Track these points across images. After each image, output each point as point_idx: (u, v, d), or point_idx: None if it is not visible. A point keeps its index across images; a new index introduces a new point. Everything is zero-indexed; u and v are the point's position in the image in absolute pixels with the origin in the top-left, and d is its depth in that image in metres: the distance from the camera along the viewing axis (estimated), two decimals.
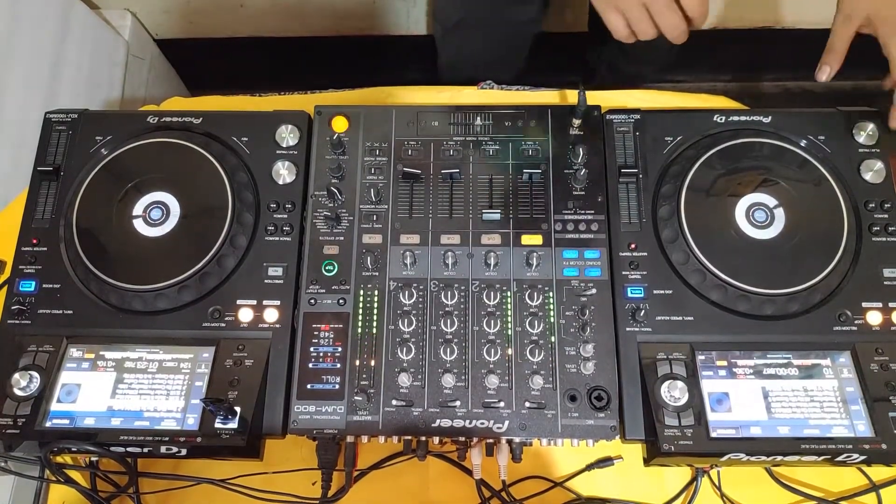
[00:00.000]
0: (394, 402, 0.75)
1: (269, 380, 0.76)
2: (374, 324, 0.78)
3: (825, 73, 0.83)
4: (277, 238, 0.82)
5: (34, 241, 0.82)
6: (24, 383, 0.74)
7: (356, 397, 0.74)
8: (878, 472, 0.80)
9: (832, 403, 0.74)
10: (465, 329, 0.78)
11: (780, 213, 0.80)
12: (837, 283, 0.78)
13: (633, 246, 0.81)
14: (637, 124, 0.86)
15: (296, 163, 0.85)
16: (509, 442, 0.76)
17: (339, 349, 0.77)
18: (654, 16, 0.78)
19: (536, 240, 0.81)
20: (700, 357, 0.76)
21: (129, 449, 0.73)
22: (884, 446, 0.71)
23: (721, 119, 0.86)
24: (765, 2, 1.58)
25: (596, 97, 0.92)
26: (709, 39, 1.66)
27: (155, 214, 0.81)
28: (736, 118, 0.86)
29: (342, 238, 0.82)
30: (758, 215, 0.80)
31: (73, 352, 0.77)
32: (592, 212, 0.82)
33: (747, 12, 1.61)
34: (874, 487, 0.79)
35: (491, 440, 0.77)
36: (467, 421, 0.74)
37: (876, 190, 0.82)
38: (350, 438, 0.77)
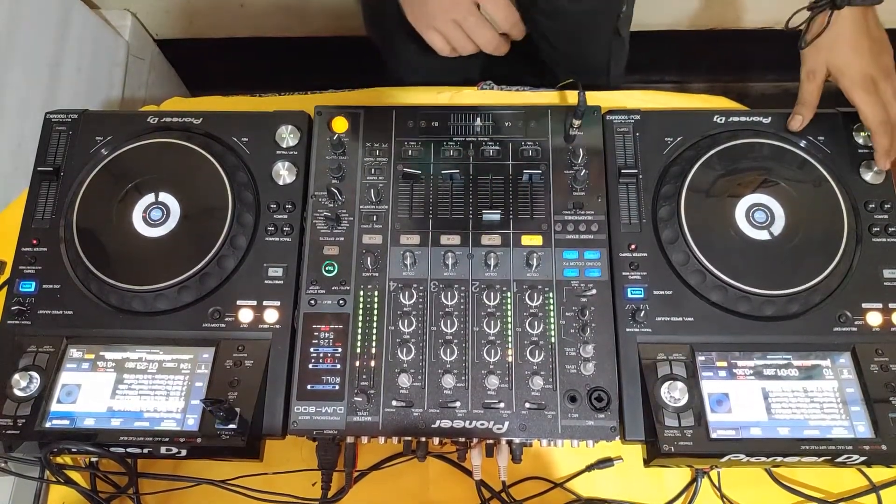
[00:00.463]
0: (394, 403, 0.75)
1: (269, 380, 0.76)
2: (374, 324, 0.78)
3: (798, 123, 0.84)
4: (277, 238, 0.82)
5: (34, 242, 0.82)
6: (24, 384, 0.74)
7: (356, 398, 0.74)
8: (878, 473, 0.80)
9: (832, 404, 0.74)
10: (466, 330, 0.78)
11: (780, 214, 0.80)
12: (837, 283, 0.78)
13: (633, 246, 0.81)
14: (637, 124, 0.86)
15: (296, 163, 0.85)
16: (509, 443, 0.76)
17: (339, 350, 0.77)
18: (468, 32, 0.81)
19: (536, 240, 0.81)
20: (700, 358, 0.76)
21: (128, 449, 0.73)
22: (884, 447, 0.71)
23: (721, 119, 0.86)
24: (764, 2, 1.58)
25: (596, 97, 0.92)
26: (708, 39, 1.66)
27: (155, 215, 0.81)
28: (736, 118, 0.86)
29: (342, 238, 0.82)
30: (758, 216, 0.80)
31: (73, 352, 0.77)
32: (592, 212, 0.82)
33: (746, 13, 1.61)
34: (874, 488, 0.79)
35: (491, 441, 0.77)
36: (467, 422, 0.74)
37: (876, 190, 0.82)
38: (350, 439, 0.77)
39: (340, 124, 0.86)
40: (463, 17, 0.79)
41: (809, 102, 0.83)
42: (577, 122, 0.85)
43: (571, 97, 0.98)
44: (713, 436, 0.72)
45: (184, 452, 0.73)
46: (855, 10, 0.78)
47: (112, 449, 0.73)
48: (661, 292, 0.79)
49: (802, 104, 0.84)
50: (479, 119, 0.87)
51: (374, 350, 0.77)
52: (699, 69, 1.78)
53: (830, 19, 0.78)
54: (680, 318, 0.78)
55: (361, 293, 0.79)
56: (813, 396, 0.74)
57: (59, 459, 0.78)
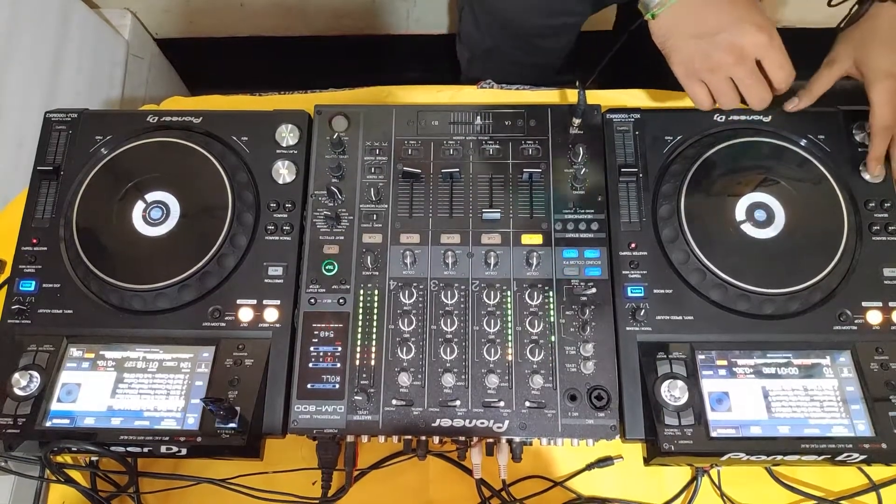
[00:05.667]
0: (394, 402, 0.75)
1: (269, 379, 0.76)
2: (374, 323, 0.78)
3: (792, 105, 0.84)
4: (277, 238, 0.82)
5: (34, 241, 0.82)
6: (24, 383, 0.74)
7: (356, 397, 0.74)
8: (878, 472, 0.80)
9: (832, 403, 0.74)
10: (465, 328, 0.78)
11: (780, 213, 0.80)
12: (837, 282, 0.78)
13: (633, 245, 0.81)
14: (637, 124, 0.86)
15: (296, 162, 0.85)
16: (509, 441, 0.76)
17: (339, 349, 0.77)
18: (742, 89, 0.76)
19: (536, 239, 0.81)
20: (700, 356, 0.76)
21: (129, 449, 0.73)
22: (884, 446, 0.71)
23: (721, 118, 0.86)
24: (764, 2, 1.58)
25: (596, 97, 0.92)
26: None
27: (155, 214, 0.81)
28: (736, 117, 0.86)
29: (342, 238, 0.82)
30: (758, 215, 0.80)
31: (73, 351, 0.77)
32: (592, 211, 0.82)
33: None
34: (874, 487, 0.79)
35: (491, 440, 0.77)
36: (467, 420, 0.74)
37: (876, 189, 0.82)
38: (350, 438, 0.77)
39: (340, 124, 0.86)
40: (744, 76, 0.74)
41: (815, 92, 0.82)
42: (577, 121, 0.85)
43: (571, 96, 0.98)
44: (713, 434, 0.72)
45: (184, 451, 0.73)
46: None
47: (112, 448, 0.73)
48: (661, 291, 0.79)
49: (808, 91, 0.83)
50: (479, 118, 0.87)
51: (374, 349, 0.77)
52: None
53: (868, 10, 0.77)
54: (680, 317, 0.78)
55: (361, 292, 0.79)
56: (813, 395, 0.74)
57: (59, 458, 0.78)
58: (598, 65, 0.80)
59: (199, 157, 0.83)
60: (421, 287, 0.79)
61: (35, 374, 0.75)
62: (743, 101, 0.79)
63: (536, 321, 0.77)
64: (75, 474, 0.79)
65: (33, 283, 0.80)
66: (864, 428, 0.72)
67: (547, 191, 0.83)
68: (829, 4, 0.80)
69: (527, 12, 1.10)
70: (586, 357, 0.76)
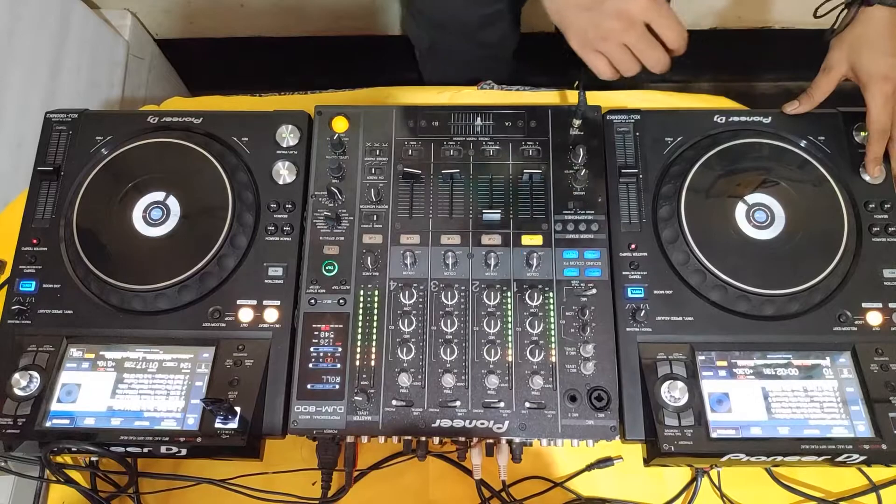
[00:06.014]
0: (394, 402, 0.75)
1: (269, 380, 0.76)
2: (375, 324, 0.78)
3: (792, 107, 0.85)
4: (277, 238, 0.82)
5: (34, 241, 0.82)
6: (24, 383, 0.74)
7: (356, 397, 0.74)
8: (878, 473, 0.80)
9: (832, 404, 0.74)
10: (466, 329, 0.78)
11: (780, 214, 0.80)
12: (837, 283, 0.78)
13: (633, 246, 0.81)
14: (637, 124, 0.86)
15: (296, 163, 0.85)
16: (509, 442, 0.76)
17: (339, 349, 0.77)
18: (637, 53, 0.77)
19: (536, 240, 0.81)
20: (700, 357, 0.76)
21: (129, 449, 0.73)
22: (884, 446, 0.71)
23: (721, 119, 0.86)
24: (764, 2, 1.58)
25: (596, 97, 0.92)
26: (709, 39, 1.66)
27: (155, 214, 0.81)
28: (736, 118, 0.86)
29: (342, 238, 0.82)
30: (758, 216, 0.80)
31: (73, 352, 0.77)
32: (592, 212, 0.82)
33: (746, 12, 1.61)
34: (874, 488, 0.79)
35: (491, 440, 0.77)
36: (467, 421, 0.74)
37: (876, 190, 0.82)
38: (350, 438, 0.77)
39: (340, 124, 0.86)
40: (636, 40, 0.75)
41: (816, 98, 0.83)
42: (577, 122, 0.85)
43: (571, 97, 0.98)
44: (713, 435, 0.72)
45: (184, 452, 0.73)
46: (886, 10, 0.77)
47: (112, 448, 0.73)
48: (662, 292, 0.79)
49: (808, 96, 0.84)
50: (479, 119, 0.87)
51: (374, 349, 0.77)
52: (701, 69, 1.78)
53: (857, 15, 0.78)
54: (680, 318, 0.78)
55: (361, 293, 0.79)
56: (813, 396, 0.74)
57: (59, 459, 0.78)
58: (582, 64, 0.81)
59: (200, 158, 0.83)
60: (421, 288, 0.79)
61: (35, 374, 0.75)
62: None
63: (536, 322, 0.77)
64: (75, 474, 0.79)
65: (33, 283, 0.80)
66: (864, 429, 0.72)
67: (547, 192, 0.83)
68: (815, 16, 0.81)
69: (456, 6, 1.11)
70: (586, 358, 0.76)
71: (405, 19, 1.25)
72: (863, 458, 0.71)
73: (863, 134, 0.84)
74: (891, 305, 0.78)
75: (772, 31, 1.61)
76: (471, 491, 0.79)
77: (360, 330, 0.78)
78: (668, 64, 0.78)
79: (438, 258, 0.80)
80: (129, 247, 0.80)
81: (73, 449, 0.73)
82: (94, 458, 0.79)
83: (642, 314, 0.77)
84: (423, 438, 0.76)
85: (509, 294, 0.79)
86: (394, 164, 0.85)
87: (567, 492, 0.81)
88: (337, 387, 0.75)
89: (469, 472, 0.79)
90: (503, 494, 0.78)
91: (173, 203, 0.82)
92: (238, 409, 0.73)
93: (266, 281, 0.80)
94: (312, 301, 0.79)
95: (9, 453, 0.74)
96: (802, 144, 0.84)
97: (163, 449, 0.72)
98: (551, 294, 0.79)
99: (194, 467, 0.80)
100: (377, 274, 0.80)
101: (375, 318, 0.78)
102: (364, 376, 0.76)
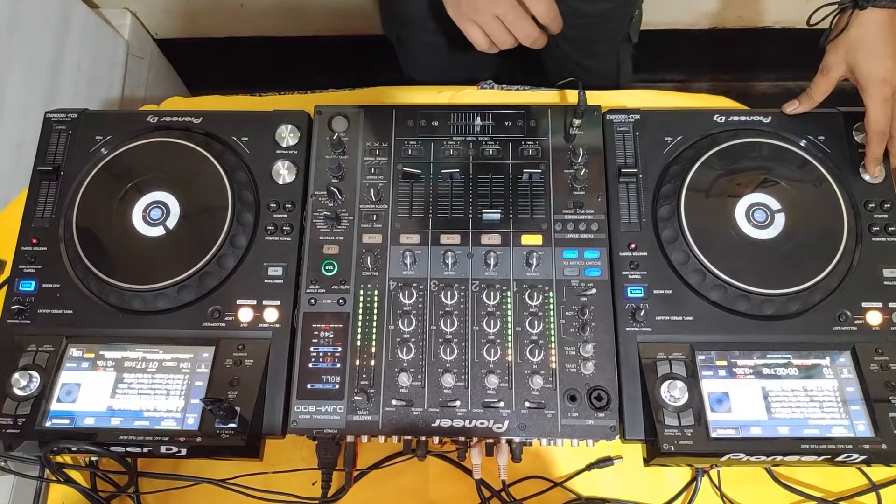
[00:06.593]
0: (394, 402, 0.75)
1: (268, 380, 0.76)
2: (374, 324, 0.78)
3: (792, 107, 0.85)
4: (277, 238, 0.82)
5: (34, 241, 0.82)
6: (23, 383, 0.74)
7: (356, 397, 0.74)
8: (878, 472, 0.80)
9: (832, 403, 0.74)
10: (465, 329, 0.78)
11: (780, 214, 0.80)
12: (837, 283, 0.78)
13: (633, 246, 0.81)
14: (637, 124, 0.86)
15: (296, 162, 0.85)
16: (509, 442, 0.76)
17: (339, 349, 0.77)
18: (508, 25, 0.81)
19: (536, 240, 0.81)
20: (700, 357, 0.76)
21: (128, 449, 0.73)
22: (884, 446, 0.71)
23: (721, 119, 0.86)
24: (764, 2, 1.58)
25: (596, 97, 0.92)
26: (708, 39, 1.66)
27: (155, 214, 0.81)
28: (736, 118, 0.86)
29: (342, 238, 0.82)
30: (758, 215, 0.80)
31: (73, 351, 0.77)
32: (592, 212, 0.82)
33: (746, 12, 1.61)
34: (874, 487, 0.79)
35: (491, 440, 0.77)
36: (467, 421, 0.74)
37: (875, 190, 0.82)
38: (350, 438, 0.77)
39: (340, 124, 0.86)
40: (505, 12, 0.79)
41: (815, 99, 0.83)
42: (577, 122, 0.85)
43: (571, 96, 0.98)
44: (713, 435, 0.72)
45: (184, 451, 0.73)
46: (881, 12, 0.77)
47: (112, 448, 0.73)
48: (661, 291, 0.79)
49: (807, 97, 0.84)
50: (479, 118, 0.87)
51: (373, 349, 0.77)
52: (701, 68, 1.78)
53: (851, 19, 0.78)
54: (680, 318, 0.78)
55: (361, 292, 0.79)
56: (813, 395, 0.74)
57: (58, 458, 0.78)
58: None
59: (199, 158, 0.83)
60: (421, 287, 0.79)
61: (35, 374, 0.75)
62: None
63: (536, 322, 0.77)
64: (75, 474, 0.79)
65: (33, 283, 0.80)
66: (863, 428, 0.72)
67: (547, 191, 0.83)
68: (808, 24, 0.81)
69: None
70: (586, 357, 0.76)
71: (381, 17, 1.26)
72: (863, 457, 0.71)
73: (863, 134, 0.84)
74: (891, 305, 0.78)
75: (772, 30, 1.61)
76: (471, 491, 0.79)
77: (359, 330, 0.78)
78: (541, 39, 0.82)
79: (438, 258, 0.80)
80: (129, 246, 0.80)
81: (73, 449, 0.73)
82: (93, 458, 0.79)
83: (642, 314, 0.77)
84: (423, 438, 0.76)
85: (509, 294, 0.79)
86: (393, 164, 0.85)
87: (567, 491, 0.81)
88: (337, 386, 0.75)
89: (469, 472, 0.79)
90: (503, 494, 0.78)
91: (173, 203, 0.82)
92: (238, 408, 0.73)
93: (266, 281, 0.80)
94: (312, 301, 0.79)
95: (9, 453, 0.74)
96: (802, 144, 0.84)
97: (163, 449, 0.72)
98: (551, 294, 0.79)
99: (194, 467, 0.80)
100: (377, 273, 0.80)
101: (375, 317, 0.78)
102: (364, 376, 0.76)
